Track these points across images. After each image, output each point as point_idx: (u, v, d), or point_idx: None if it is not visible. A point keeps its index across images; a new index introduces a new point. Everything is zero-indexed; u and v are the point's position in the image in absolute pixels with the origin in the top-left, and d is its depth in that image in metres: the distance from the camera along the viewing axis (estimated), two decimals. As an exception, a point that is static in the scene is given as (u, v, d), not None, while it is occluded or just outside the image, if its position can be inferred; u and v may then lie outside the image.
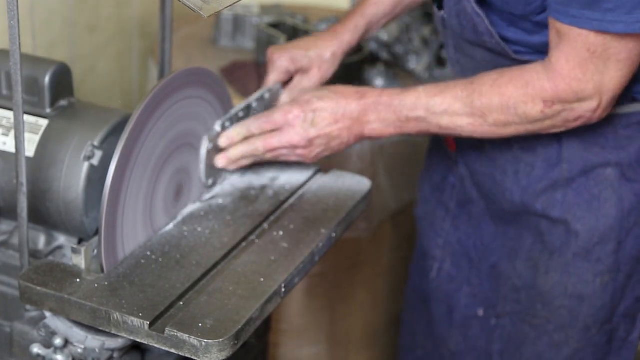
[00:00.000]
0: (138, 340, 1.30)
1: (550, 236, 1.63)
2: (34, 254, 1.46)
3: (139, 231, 1.45)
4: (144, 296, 1.33)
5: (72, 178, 1.43)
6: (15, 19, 1.25)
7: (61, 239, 1.50)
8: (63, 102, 1.50)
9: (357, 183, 1.67)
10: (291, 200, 1.61)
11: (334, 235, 1.54)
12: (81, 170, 1.43)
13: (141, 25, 2.43)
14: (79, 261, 1.38)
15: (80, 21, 2.18)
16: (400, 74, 2.34)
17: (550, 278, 1.64)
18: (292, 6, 2.57)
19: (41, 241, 1.49)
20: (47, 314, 1.38)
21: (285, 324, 2.30)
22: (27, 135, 1.45)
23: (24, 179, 1.33)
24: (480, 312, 1.78)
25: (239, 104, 1.63)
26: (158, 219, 1.50)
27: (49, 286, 1.34)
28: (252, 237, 1.50)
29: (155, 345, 1.29)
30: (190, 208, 1.56)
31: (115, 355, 1.41)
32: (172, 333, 1.26)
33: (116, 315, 1.29)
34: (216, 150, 1.58)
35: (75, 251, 1.38)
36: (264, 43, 2.23)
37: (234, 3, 1.30)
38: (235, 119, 1.60)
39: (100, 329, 1.33)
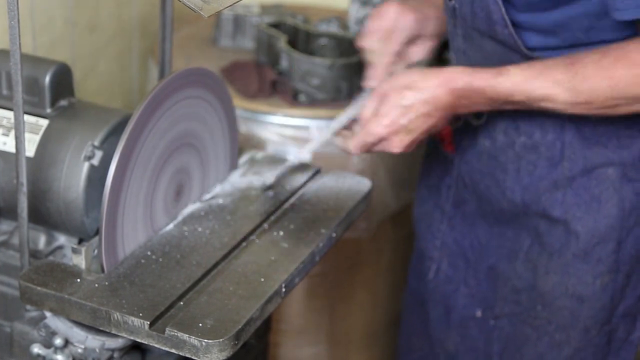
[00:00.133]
0: (138, 340, 1.30)
1: (549, 237, 1.62)
2: (34, 254, 1.46)
3: (139, 231, 1.45)
4: (144, 296, 1.33)
5: (72, 178, 1.43)
6: (15, 19, 1.26)
7: (61, 239, 1.50)
8: (63, 102, 1.50)
9: (357, 183, 1.67)
10: (291, 200, 1.61)
11: (334, 235, 1.54)
12: (81, 170, 1.43)
13: (141, 25, 2.43)
14: (79, 261, 1.38)
15: (81, 21, 2.18)
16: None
17: (550, 279, 1.64)
18: (292, 6, 2.56)
19: (41, 241, 1.49)
20: (48, 314, 1.38)
21: (285, 324, 2.30)
22: (27, 135, 1.45)
23: (24, 179, 1.33)
24: (479, 313, 1.77)
25: (340, 118, 1.65)
26: (158, 219, 1.50)
27: (49, 286, 1.34)
28: (253, 237, 1.50)
29: (156, 345, 1.29)
30: (191, 208, 1.56)
31: (116, 355, 1.41)
32: (173, 333, 1.26)
33: (116, 315, 1.29)
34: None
35: (75, 251, 1.38)
36: (265, 43, 2.23)
37: (234, 3, 1.30)
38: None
39: (101, 329, 1.33)
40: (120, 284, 1.35)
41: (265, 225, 1.53)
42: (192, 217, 1.54)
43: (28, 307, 1.42)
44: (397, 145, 1.54)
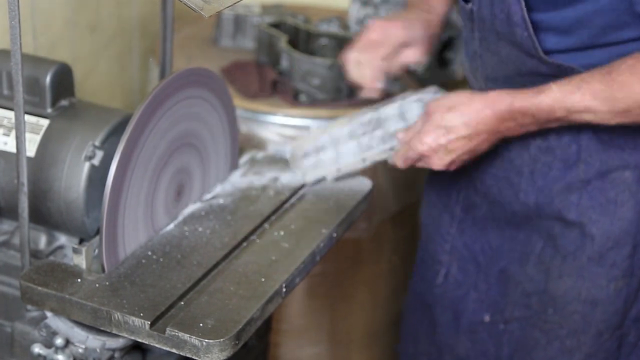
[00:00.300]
0: (139, 340, 1.30)
1: (563, 240, 1.61)
2: (35, 254, 1.46)
3: (139, 231, 1.45)
4: (145, 296, 1.33)
5: (73, 178, 1.43)
6: (16, 19, 1.26)
7: (62, 239, 1.50)
8: (64, 102, 1.50)
9: (357, 183, 1.67)
10: (292, 200, 1.61)
11: (334, 235, 1.54)
12: (82, 170, 1.43)
13: (142, 25, 2.43)
14: (80, 261, 1.38)
15: (81, 21, 2.18)
16: (401, 74, 2.33)
17: (563, 283, 1.63)
18: (293, 6, 2.56)
19: (42, 241, 1.49)
20: (48, 314, 1.38)
21: (286, 323, 2.30)
22: (28, 135, 1.45)
23: (24, 179, 1.33)
24: (487, 318, 1.76)
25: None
26: (159, 219, 1.50)
27: (50, 286, 1.34)
28: (253, 237, 1.50)
29: (156, 345, 1.29)
30: (191, 208, 1.56)
31: (116, 355, 1.41)
32: (173, 333, 1.26)
33: (117, 315, 1.29)
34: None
35: (76, 251, 1.38)
36: (265, 43, 2.23)
37: (235, 3, 1.30)
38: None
39: (101, 329, 1.33)
40: (121, 284, 1.36)
41: (266, 225, 1.53)
42: (193, 217, 1.54)
43: (29, 307, 1.42)
44: (436, 163, 1.56)
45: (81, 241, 1.48)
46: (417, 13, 1.71)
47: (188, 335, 1.26)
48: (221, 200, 1.59)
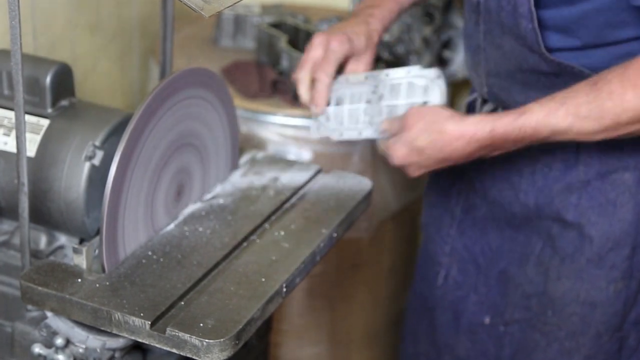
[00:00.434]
0: (139, 340, 1.30)
1: (562, 241, 1.61)
2: (35, 254, 1.46)
3: (140, 231, 1.45)
4: (145, 296, 1.33)
5: (73, 178, 1.43)
6: (16, 19, 1.26)
7: (62, 239, 1.50)
8: (64, 102, 1.50)
9: (358, 183, 1.67)
10: (292, 200, 1.61)
11: (335, 235, 1.54)
12: (82, 170, 1.43)
13: (142, 25, 2.43)
14: (80, 261, 1.38)
15: (81, 21, 2.18)
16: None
17: (562, 284, 1.62)
18: (293, 6, 2.56)
19: (42, 241, 1.49)
20: (49, 314, 1.38)
21: (286, 323, 2.30)
22: (28, 135, 1.45)
23: (25, 179, 1.33)
24: (487, 320, 1.76)
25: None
26: (159, 219, 1.50)
27: (50, 286, 1.34)
28: (253, 237, 1.50)
29: (157, 345, 1.29)
30: (191, 208, 1.56)
31: (117, 355, 1.41)
32: (173, 333, 1.27)
33: (117, 315, 1.29)
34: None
35: (76, 251, 1.38)
36: (265, 43, 2.22)
37: (235, 3, 1.30)
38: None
39: (102, 329, 1.33)
40: (121, 284, 1.36)
41: (266, 225, 1.53)
42: (193, 217, 1.54)
43: (29, 307, 1.43)
44: (412, 172, 1.54)
45: (81, 241, 1.48)
46: (357, 24, 1.70)
47: (188, 335, 1.26)
48: (221, 200, 1.59)
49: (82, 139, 1.44)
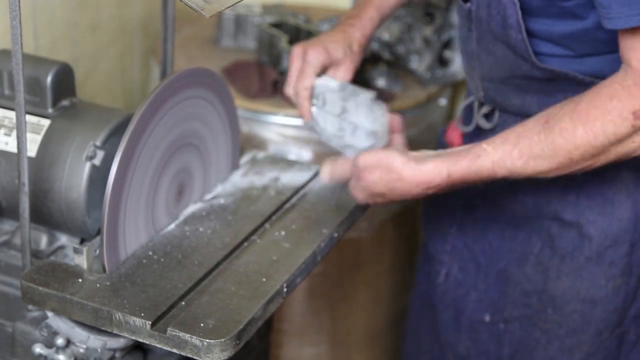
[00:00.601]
0: (140, 340, 1.30)
1: (561, 240, 1.62)
2: (36, 254, 1.46)
3: (140, 231, 1.45)
4: (146, 296, 1.33)
5: (74, 178, 1.43)
6: (17, 19, 1.26)
7: (63, 239, 1.50)
8: (65, 102, 1.50)
9: (358, 183, 1.67)
10: (293, 200, 1.61)
11: (335, 235, 1.54)
12: (83, 170, 1.43)
13: (143, 25, 2.43)
14: (81, 261, 1.38)
15: (82, 21, 2.18)
16: (401, 74, 2.34)
17: (561, 282, 1.63)
18: (293, 6, 2.56)
19: (43, 241, 1.49)
20: (49, 314, 1.38)
21: (287, 323, 2.30)
22: (29, 135, 1.45)
23: (25, 179, 1.33)
24: (487, 318, 1.77)
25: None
26: (160, 219, 1.50)
27: (51, 286, 1.34)
28: (254, 237, 1.50)
29: (157, 345, 1.29)
30: (192, 208, 1.56)
31: (117, 355, 1.41)
32: (174, 333, 1.27)
33: (118, 315, 1.29)
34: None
35: (77, 251, 1.38)
36: (266, 43, 2.23)
37: (236, 3, 1.30)
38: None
39: (102, 329, 1.33)
40: (121, 284, 1.36)
41: (267, 225, 1.53)
42: (194, 217, 1.54)
43: (30, 307, 1.43)
44: (376, 205, 1.55)
45: (82, 241, 1.48)
46: (336, 34, 1.70)
47: (189, 335, 1.26)
48: (222, 200, 1.59)
49: (83, 139, 1.44)
